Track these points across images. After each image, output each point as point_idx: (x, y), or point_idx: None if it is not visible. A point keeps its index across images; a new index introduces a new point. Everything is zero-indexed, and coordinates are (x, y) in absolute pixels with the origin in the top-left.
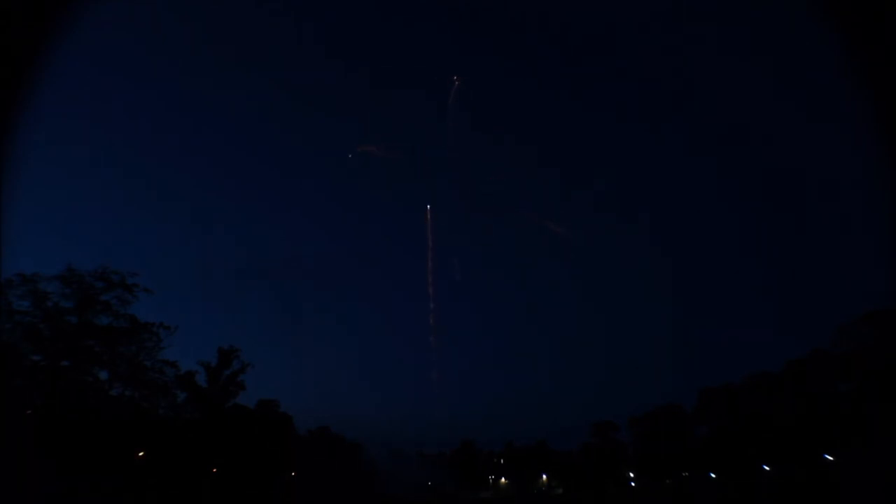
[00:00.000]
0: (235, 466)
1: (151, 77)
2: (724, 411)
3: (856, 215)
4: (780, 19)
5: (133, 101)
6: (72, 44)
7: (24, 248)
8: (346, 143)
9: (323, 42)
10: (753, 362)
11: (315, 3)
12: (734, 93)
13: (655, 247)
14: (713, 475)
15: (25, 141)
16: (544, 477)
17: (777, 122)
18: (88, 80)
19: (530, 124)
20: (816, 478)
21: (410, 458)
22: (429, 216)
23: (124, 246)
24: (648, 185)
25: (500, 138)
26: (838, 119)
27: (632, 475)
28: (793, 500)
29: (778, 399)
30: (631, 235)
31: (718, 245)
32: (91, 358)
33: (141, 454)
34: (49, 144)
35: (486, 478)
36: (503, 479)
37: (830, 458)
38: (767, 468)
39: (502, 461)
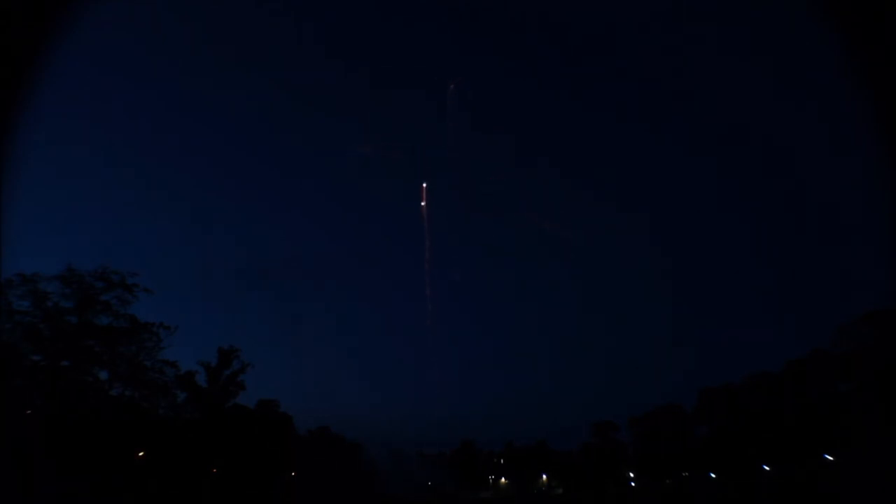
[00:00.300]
0: (235, 466)
1: (151, 77)
2: (724, 411)
3: (856, 215)
4: (780, 19)
5: (133, 101)
6: (72, 44)
7: (24, 248)
8: (346, 143)
9: (323, 42)
10: (753, 362)
11: (315, 3)
12: (734, 93)
13: (655, 247)
14: (713, 475)
15: (25, 141)
16: (544, 477)
17: (777, 122)
18: (88, 80)
19: (530, 124)
20: (816, 478)
21: (410, 458)
22: (424, 194)
23: (124, 246)
24: (648, 186)
25: (500, 138)
26: (838, 119)
27: (632, 475)
28: (793, 500)
29: (778, 399)
30: (631, 235)
31: (718, 245)
32: (91, 358)
33: (141, 454)
34: (49, 144)
35: (486, 478)
36: (503, 479)
37: (830, 458)
38: (767, 468)
39: (502, 461)
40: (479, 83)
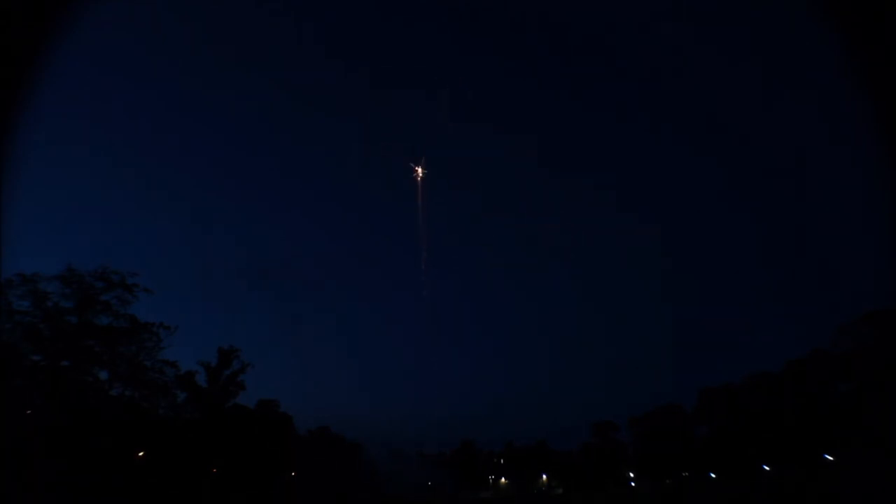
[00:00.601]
0: (235, 466)
1: (151, 77)
2: (724, 411)
3: (856, 215)
4: (780, 19)
5: (133, 101)
6: (72, 44)
7: (24, 248)
8: (347, 143)
9: (323, 42)
10: (753, 362)
11: (315, 3)
12: (734, 93)
13: (655, 247)
14: (713, 475)
15: (25, 141)
16: (544, 477)
17: (777, 122)
18: (88, 80)
19: (531, 124)
20: (816, 478)
21: (410, 458)
22: (419, 175)
23: (124, 246)
24: (648, 186)
25: (501, 138)
26: (838, 119)
27: (632, 475)
28: (793, 500)
29: (778, 399)
30: (631, 236)
31: (719, 245)
32: (91, 358)
33: (141, 454)
34: (49, 144)
35: (486, 478)
36: (503, 479)
37: (830, 458)
38: (767, 468)
39: (502, 461)
40: (479, 83)
